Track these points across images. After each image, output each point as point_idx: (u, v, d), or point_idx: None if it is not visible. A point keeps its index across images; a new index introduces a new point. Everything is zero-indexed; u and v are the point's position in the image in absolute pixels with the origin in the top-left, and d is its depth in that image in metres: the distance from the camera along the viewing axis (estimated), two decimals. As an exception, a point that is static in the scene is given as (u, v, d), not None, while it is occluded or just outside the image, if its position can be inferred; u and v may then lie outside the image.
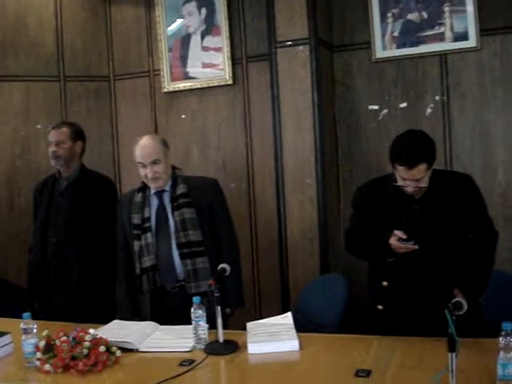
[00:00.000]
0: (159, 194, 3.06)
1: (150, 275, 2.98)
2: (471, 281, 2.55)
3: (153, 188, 3.05)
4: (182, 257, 2.96)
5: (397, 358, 2.30)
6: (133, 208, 3.07)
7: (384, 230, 2.62)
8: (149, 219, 3.03)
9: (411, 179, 2.51)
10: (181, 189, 3.03)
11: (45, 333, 2.43)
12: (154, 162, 2.96)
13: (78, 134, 3.53)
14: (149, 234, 3.00)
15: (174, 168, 3.12)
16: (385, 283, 2.69)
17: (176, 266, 2.98)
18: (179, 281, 2.98)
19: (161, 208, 3.04)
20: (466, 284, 2.52)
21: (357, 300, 3.12)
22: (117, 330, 2.72)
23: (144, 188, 3.09)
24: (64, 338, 2.37)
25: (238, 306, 3.07)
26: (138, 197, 3.08)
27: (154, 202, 3.07)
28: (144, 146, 2.99)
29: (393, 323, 2.64)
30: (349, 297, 3.22)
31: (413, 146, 2.51)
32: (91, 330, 2.45)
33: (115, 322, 2.93)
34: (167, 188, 3.06)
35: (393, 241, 2.55)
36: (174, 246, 2.98)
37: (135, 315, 3.04)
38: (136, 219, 3.04)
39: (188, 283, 2.94)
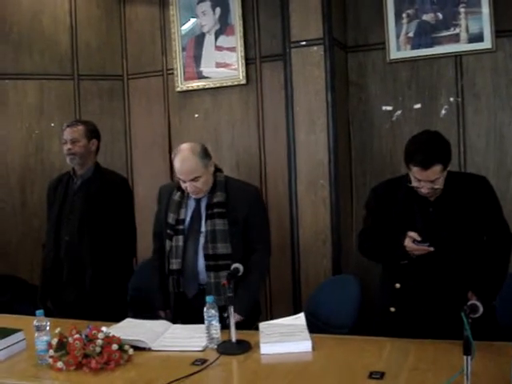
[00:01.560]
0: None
1: (175, 278, 2.99)
2: (485, 284, 2.53)
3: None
4: (208, 268, 2.93)
5: (410, 360, 2.29)
6: (170, 206, 3.05)
7: (398, 231, 2.60)
8: (183, 221, 3.00)
9: (426, 180, 2.49)
10: (218, 197, 2.97)
11: (57, 330, 2.44)
12: (194, 180, 2.89)
13: (92, 132, 3.52)
14: (180, 237, 2.98)
15: (216, 170, 3.04)
16: (398, 285, 2.68)
17: (200, 273, 2.96)
18: (201, 284, 2.97)
19: (196, 212, 3.00)
20: (480, 287, 2.51)
21: (369, 302, 3.10)
22: (129, 329, 2.72)
23: None
24: (77, 336, 2.38)
25: (241, 314, 2.87)
26: (177, 196, 3.04)
27: (191, 204, 3.02)
28: (183, 160, 2.88)
29: (405, 325, 2.62)
30: (361, 298, 3.20)
31: (428, 147, 2.48)
32: (104, 328, 2.45)
33: (128, 320, 2.94)
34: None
35: (408, 243, 2.53)
36: (200, 254, 2.96)
37: (166, 307, 3.08)
38: (171, 219, 3.02)
39: (208, 294, 2.80)
